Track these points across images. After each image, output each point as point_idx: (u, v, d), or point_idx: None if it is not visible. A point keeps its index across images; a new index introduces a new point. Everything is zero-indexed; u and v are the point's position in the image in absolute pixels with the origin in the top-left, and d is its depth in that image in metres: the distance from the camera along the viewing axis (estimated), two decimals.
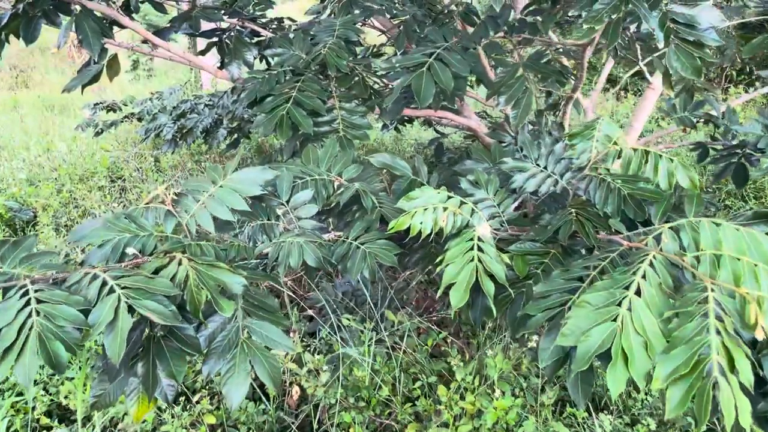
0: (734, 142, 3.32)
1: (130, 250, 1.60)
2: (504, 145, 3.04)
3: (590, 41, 2.55)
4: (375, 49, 4.60)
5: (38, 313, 1.27)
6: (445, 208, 1.81)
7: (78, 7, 2.47)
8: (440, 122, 4.46)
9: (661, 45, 1.64)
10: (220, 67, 3.08)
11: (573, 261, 1.68)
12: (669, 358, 1.22)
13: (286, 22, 3.53)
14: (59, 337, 1.25)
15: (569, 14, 3.51)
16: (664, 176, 1.73)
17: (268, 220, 1.96)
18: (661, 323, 1.31)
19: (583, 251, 1.75)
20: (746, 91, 7.66)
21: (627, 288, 1.33)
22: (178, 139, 5.04)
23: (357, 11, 2.98)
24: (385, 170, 2.36)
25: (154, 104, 6.06)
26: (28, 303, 1.29)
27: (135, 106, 6.26)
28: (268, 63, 3.16)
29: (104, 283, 1.37)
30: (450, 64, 2.22)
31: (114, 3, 2.75)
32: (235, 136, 4.87)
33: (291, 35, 3.01)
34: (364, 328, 2.97)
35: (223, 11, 2.90)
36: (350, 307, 3.45)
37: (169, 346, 1.45)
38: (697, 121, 3.64)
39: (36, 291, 1.32)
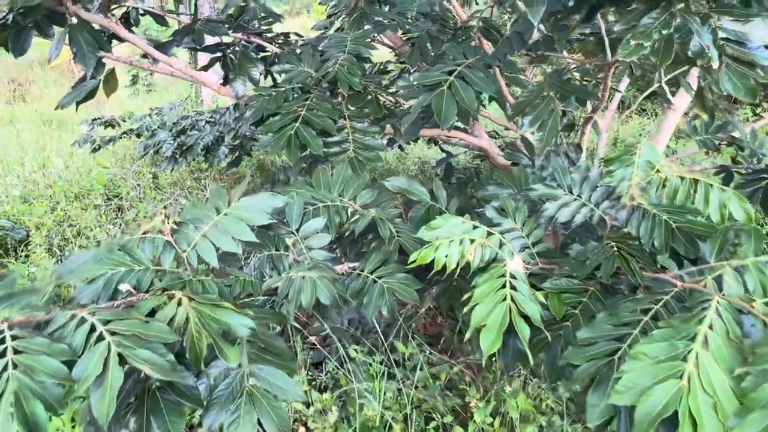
0: (760, 166, 3.17)
1: (123, 287, 1.43)
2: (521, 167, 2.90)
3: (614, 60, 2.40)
4: (381, 66, 4.47)
5: (15, 366, 1.09)
6: (471, 240, 1.65)
7: (74, 19, 2.32)
8: (448, 141, 4.31)
9: (715, 65, 1.49)
10: (224, 83, 2.93)
11: (616, 301, 1.51)
12: (745, 425, 1.05)
13: (293, 38, 3.38)
14: (39, 395, 1.07)
15: (580, 32, 3.38)
16: (716, 208, 1.57)
17: (276, 250, 1.79)
18: (731, 381, 1.14)
19: (625, 290, 1.58)
20: (755, 113, 7.53)
21: (691, 339, 1.16)
22: (177, 156, 4.88)
23: (368, 26, 2.84)
24: (399, 194, 2.20)
25: (153, 120, 5.91)
26: (4, 353, 1.12)
27: (134, 121, 6.10)
28: (274, 80, 3.01)
29: (93, 329, 1.20)
30: (472, 83, 2.06)
31: (113, 15, 2.60)
32: (237, 153, 4.72)
33: (298, 50, 2.87)
34: (373, 360, 2.79)
35: (227, 25, 2.75)
36: (356, 336, 3.27)
37: (166, 399, 1.27)
38: (720, 144, 3.51)
39: (14, 338, 1.15)
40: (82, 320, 1.21)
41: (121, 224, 5.15)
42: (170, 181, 6.09)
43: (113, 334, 1.18)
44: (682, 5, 1.46)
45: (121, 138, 5.91)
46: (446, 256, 1.61)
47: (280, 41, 3.17)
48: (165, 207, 4.81)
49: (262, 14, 3.12)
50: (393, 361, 2.88)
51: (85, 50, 2.18)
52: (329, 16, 4.06)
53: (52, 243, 4.92)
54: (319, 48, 2.65)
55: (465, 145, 3.91)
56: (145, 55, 2.76)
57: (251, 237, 1.59)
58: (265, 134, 2.38)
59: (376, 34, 2.83)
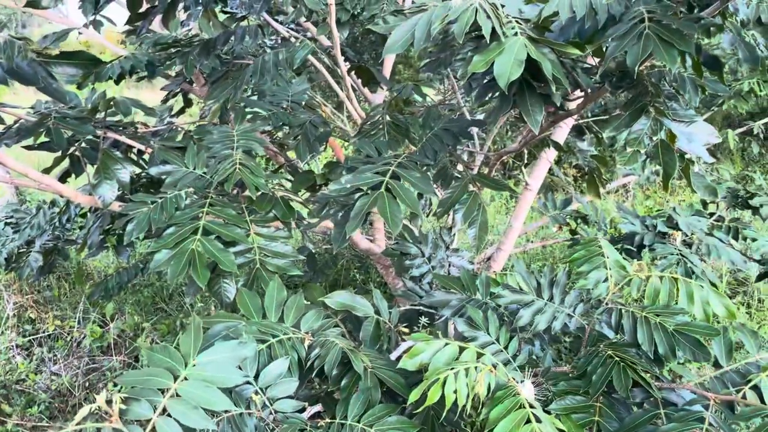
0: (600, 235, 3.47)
1: None
2: (410, 257, 2.80)
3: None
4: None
5: None
6: (475, 367, 1.46)
7: None
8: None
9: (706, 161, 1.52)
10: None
11: (638, 418, 1.43)
12: None
13: (141, 128, 2.96)
14: None
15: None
16: (700, 305, 1.58)
17: (236, 406, 1.42)
18: None
19: (639, 402, 1.51)
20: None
21: None
22: None
23: (248, 121, 2.57)
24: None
25: None
26: None
27: None
28: (138, 177, 2.57)
29: None
30: (411, 184, 1.92)
31: None
32: (50, 258, 3.97)
33: (161, 143, 2.48)
34: None
35: (91, 121, 2.28)
36: None
37: None
38: (567, 217, 3.78)
39: None
40: None
41: None
42: None
43: None
44: (653, 110, 1.50)
45: None
46: (455, 392, 1.40)
47: (128, 133, 2.73)
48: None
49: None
50: None
51: None
52: (164, 101, 3.69)
53: None
54: (204, 144, 2.32)
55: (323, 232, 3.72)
56: None
57: (227, 404, 1.23)
58: (157, 251, 1.97)
59: (263, 128, 2.56)
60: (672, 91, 1.72)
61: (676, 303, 1.60)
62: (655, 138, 1.47)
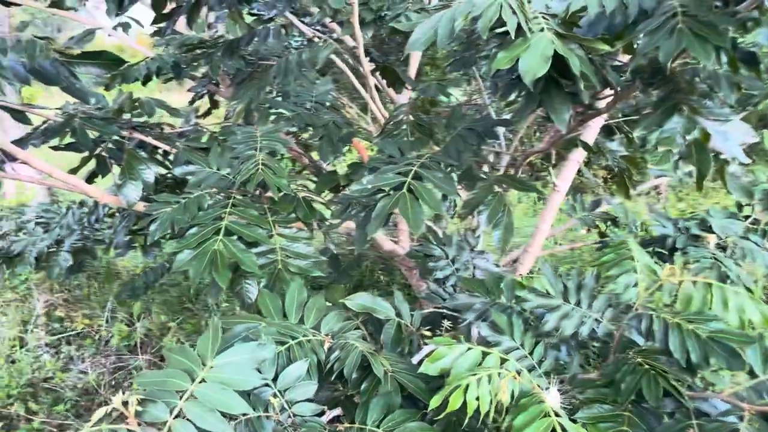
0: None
1: None
2: (434, 259, 2.77)
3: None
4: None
5: None
6: (499, 373, 1.42)
7: None
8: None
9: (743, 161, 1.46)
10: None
11: (669, 429, 1.37)
12: None
13: (166, 129, 2.97)
14: None
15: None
16: (735, 311, 1.52)
17: (254, 410, 1.40)
18: None
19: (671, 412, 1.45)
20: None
21: None
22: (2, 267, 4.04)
23: (272, 122, 2.56)
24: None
25: None
26: None
27: None
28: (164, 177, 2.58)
29: None
30: (433, 184, 1.88)
31: None
32: (79, 258, 4.03)
33: (186, 143, 2.48)
34: None
35: (116, 122, 2.30)
36: None
37: None
38: (596, 219, 3.70)
39: None
40: None
41: None
42: None
43: None
44: (686, 108, 1.44)
45: None
46: (477, 399, 1.36)
47: (155, 133, 2.74)
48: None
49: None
50: None
51: None
52: (191, 102, 3.71)
53: None
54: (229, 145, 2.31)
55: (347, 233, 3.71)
56: None
57: (244, 407, 1.21)
58: (180, 251, 1.97)
59: (289, 129, 2.55)
60: (706, 88, 1.66)
61: (710, 309, 1.54)
62: (688, 137, 1.41)
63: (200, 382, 1.22)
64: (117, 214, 3.29)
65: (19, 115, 2.17)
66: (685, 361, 1.45)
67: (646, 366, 1.46)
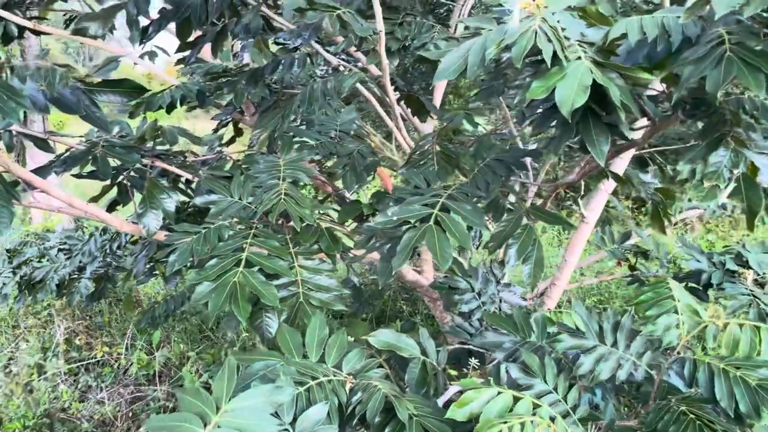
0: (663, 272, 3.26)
1: None
2: (460, 292, 2.69)
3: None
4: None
5: None
6: (531, 420, 1.33)
7: None
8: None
9: None
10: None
11: None
12: None
13: (189, 157, 2.95)
14: None
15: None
16: None
17: None
18: None
19: None
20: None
21: None
22: (19, 293, 4.04)
23: (295, 150, 2.52)
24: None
25: None
26: None
27: None
28: (186, 204, 2.54)
29: None
30: (463, 217, 1.81)
31: None
32: (101, 285, 4.01)
33: (208, 172, 2.45)
34: None
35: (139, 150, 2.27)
36: None
37: None
38: (626, 252, 3.58)
39: None
40: None
41: None
42: None
43: None
44: (732, 141, 1.36)
45: None
46: None
47: (178, 161, 2.72)
48: None
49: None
50: None
51: None
52: (215, 131, 3.71)
53: None
54: (251, 174, 2.27)
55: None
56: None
57: None
58: (199, 283, 1.92)
59: (312, 157, 2.51)
60: (750, 120, 1.57)
61: (758, 354, 1.43)
62: (735, 171, 1.33)
63: (215, 427, 1.15)
64: (139, 242, 3.27)
65: (42, 143, 2.15)
66: (733, 410, 1.35)
67: (691, 415, 1.36)
